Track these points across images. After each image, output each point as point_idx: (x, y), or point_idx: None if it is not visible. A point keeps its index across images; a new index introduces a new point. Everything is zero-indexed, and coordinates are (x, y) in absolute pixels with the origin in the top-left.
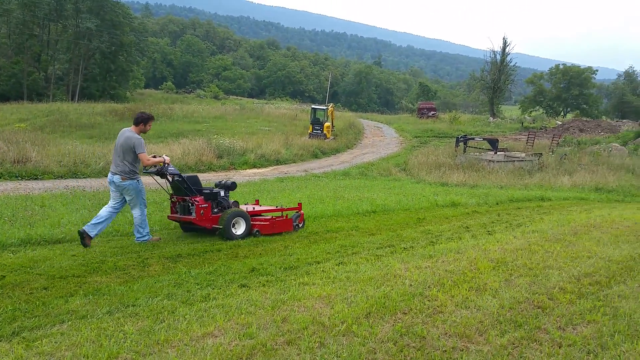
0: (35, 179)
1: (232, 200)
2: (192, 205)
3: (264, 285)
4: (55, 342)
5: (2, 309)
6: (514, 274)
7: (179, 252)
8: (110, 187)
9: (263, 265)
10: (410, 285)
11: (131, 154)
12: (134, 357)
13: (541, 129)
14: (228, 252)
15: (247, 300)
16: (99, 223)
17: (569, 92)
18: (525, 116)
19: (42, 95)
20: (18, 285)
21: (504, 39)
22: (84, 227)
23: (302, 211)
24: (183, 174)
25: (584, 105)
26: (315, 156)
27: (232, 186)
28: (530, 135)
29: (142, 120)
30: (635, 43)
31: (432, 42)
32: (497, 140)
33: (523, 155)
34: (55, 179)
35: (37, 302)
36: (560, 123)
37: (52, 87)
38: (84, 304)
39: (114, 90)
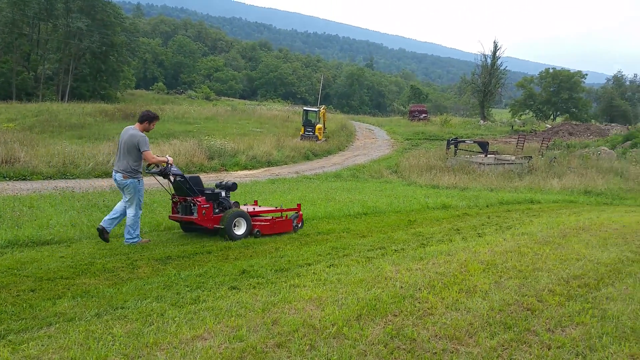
0: (24, 179)
1: (233, 201)
2: (194, 205)
3: (254, 287)
4: (43, 345)
5: None
6: (504, 276)
7: (168, 254)
8: (115, 183)
9: (254, 268)
10: (401, 287)
11: (135, 151)
12: None
13: (531, 132)
14: (218, 254)
15: (238, 302)
16: (115, 218)
17: (558, 95)
18: (516, 119)
19: (32, 95)
20: (5, 287)
21: (494, 42)
22: (101, 223)
23: (301, 212)
24: (185, 175)
25: (574, 109)
26: (307, 158)
27: (232, 187)
28: (520, 139)
29: (147, 119)
30: (624, 48)
31: (423, 45)
32: (488, 143)
33: (513, 158)
34: (44, 179)
35: (24, 305)
36: (550, 126)
37: (41, 87)
38: (72, 307)
39: (104, 91)
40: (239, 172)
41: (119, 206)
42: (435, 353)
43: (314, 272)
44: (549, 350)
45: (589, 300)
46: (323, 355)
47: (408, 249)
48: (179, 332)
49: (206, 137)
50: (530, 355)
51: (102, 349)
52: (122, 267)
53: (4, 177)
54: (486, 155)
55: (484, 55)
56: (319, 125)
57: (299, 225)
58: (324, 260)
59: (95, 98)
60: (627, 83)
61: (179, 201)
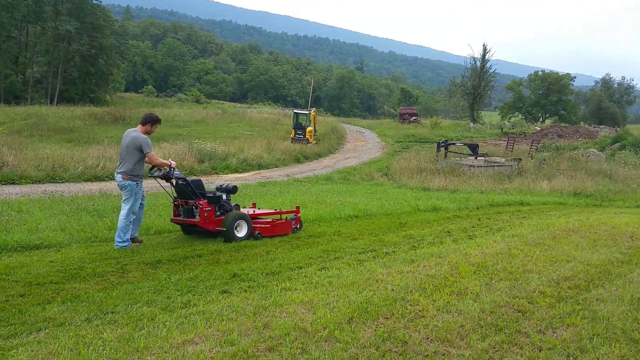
0: (13, 183)
1: (234, 204)
2: (196, 208)
3: (245, 291)
4: (32, 351)
5: None
6: (495, 278)
7: (159, 258)
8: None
9: (245, 271)
10: (392, 290)
11: (137, 153)
12: None
13: (520, 134)
14: (209, 258)
15: (229, 306)
16: (136, 221)
17: (547, 98)
18: (505, 122)
19: (20, 98)
20: None
21: (484, 45)
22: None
23: (299, 214)
24: (187, 178)
25: (563, 111)
26: (298, 161)
27: (233, 190)
28: (509, 141)
29: (150, 121)
30: (612, 51)
31: (413, 48)
32: (478, 146)
33: (503, 160)
34: (33, 183)
35: (13, 310)
36: (539, 129)
37: (30, 90)
38: (62, 311)
39: (93, 94)
40: (229, 175)
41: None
42: (427, 356)
43: (305, 275)
44: (540, 351)
45: (580, 302)
46: (314, 358)
47: (399, 252)
48: (170, 337)
49: (196, 140)
50: (522, 357)
51: (92, 354)
52: (112, 271)
53: None
54: (476, 158)
55: (474, 58)
56: (309, 128)
57: (298, 228)
58: (315, 263)
59: (84, 101)
60: (615, 85)
61: (181, 204)
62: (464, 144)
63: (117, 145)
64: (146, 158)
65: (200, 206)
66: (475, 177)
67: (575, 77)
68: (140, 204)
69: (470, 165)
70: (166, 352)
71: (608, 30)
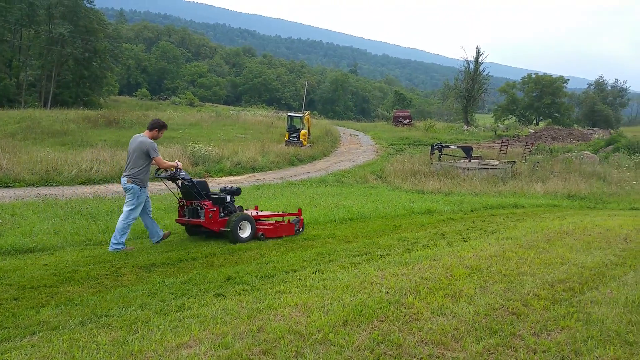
0: (6, 186)
1: (237, 205)
2: (201, 209)
3: (239, 294)
4: (26, 355)
5: None
6: (489, 281)
7: (153, 261)
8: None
9: (239, 274)
10: (387, 292)
11: (144, 158)
12: None
13: (514, 137)
14: (203, 261)
15: (223, 309)
16: (152, 224)
17: (541, 100)
18: (499, 124)
19: (14, 101)
20: None
21: (477, 48)
22: (154, 241)
23: (302, 216)
24: (193, 179)
25: (556, 114)
26: (292, 163)
27: (237, 192)
28: (503, 143)
29: (157, 127)
30: (606, 53)
31: (407, 51)
32: (472, 148)
33: (497, 162)
34: (26, 186)
35: (7, 314)
36: (533, 131)
37: (24, 94)
38: (56, 315)
39: (87, 97)
40: (223, 178)
41: (144, 218)
42: (422, 358)
43: (299, 278)
44: (534, 354)
45: (574, 304)
46: None
47: (393, 254)
48: (164, 340)
49: (190, 143)
50: (516, 359)
51: (86, 357)
52: (106, 274)
53: None
54: (470, 160)
55: (467, 61)
56: (303, 131)
57: (301, 230)
58: (310, 266)
59: (78, 104)
60: (609, 88)
61: (186, 205)
62: (458, 147)
63: (111, 148)
64: (153, 162)
65: (205, 207)
66: (469, 179)
67: (568, 79)
68: (148, 210)
69: (464, 168)
70: (160, 356)
71: (601, 33)
